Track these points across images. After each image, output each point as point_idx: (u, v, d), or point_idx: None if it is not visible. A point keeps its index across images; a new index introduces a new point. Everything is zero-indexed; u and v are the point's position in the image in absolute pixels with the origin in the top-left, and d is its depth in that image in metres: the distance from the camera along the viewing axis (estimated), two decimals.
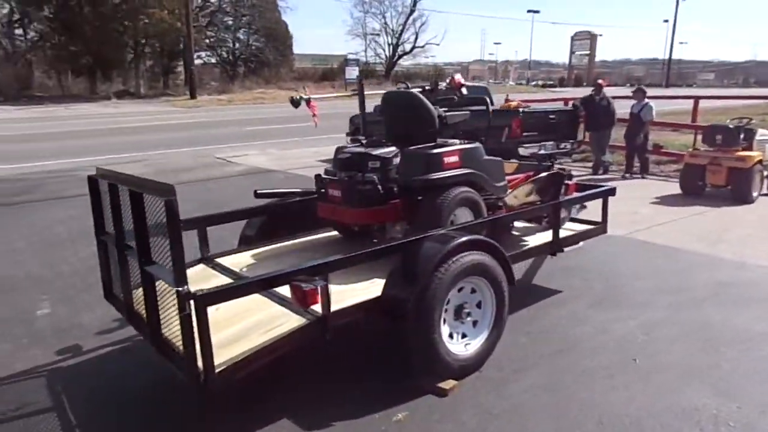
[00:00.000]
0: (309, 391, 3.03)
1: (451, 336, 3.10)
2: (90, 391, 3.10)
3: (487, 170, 3.79)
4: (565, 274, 4.71)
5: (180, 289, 2.29)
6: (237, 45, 44.17)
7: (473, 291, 3.18)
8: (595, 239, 5.30)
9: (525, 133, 9.53)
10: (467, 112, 4.08)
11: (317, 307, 2.69)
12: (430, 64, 55.28)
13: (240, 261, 3.88)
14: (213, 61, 45.07)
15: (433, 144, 3.68)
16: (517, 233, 4.29)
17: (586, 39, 72.74)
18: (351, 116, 12.81)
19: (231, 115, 24.31)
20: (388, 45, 50.57)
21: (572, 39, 73.25)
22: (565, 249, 4.75)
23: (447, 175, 3.54)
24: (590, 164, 10.50)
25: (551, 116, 9.97)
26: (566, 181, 4.37)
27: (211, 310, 2.91)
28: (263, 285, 2.63)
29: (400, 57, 50.59)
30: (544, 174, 4.09)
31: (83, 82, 36.56)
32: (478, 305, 3.22)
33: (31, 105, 30.63)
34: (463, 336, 3.17)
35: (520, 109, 9.63)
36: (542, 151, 9.76)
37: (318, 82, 38.84)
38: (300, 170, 10.70)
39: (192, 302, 2.32)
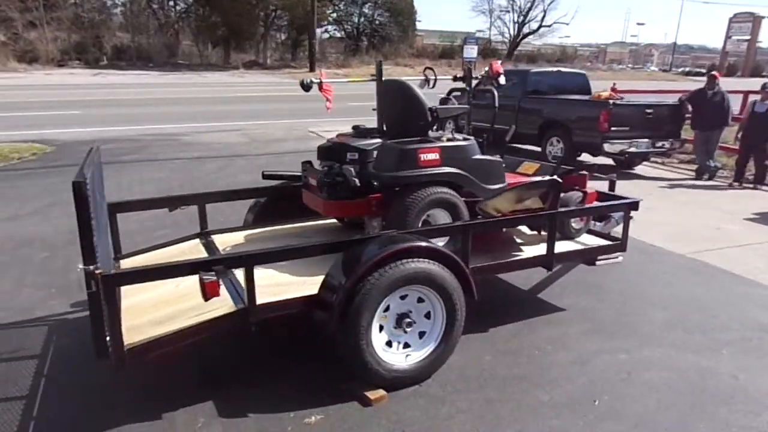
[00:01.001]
0: (239, 383, 3.03)
1: (389, 344, 2.96)
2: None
3: (475, 171, 3.51)
4: (581, 291, 4.28)
5: (86, 267, 2.39)
6: (362, 19, 44.86)
7: (421, 300, 2.99)
8: (646, 254, 4.79)
9: (614, 128, 8.71)
10: (465, 106, 3.78)
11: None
12: (557, 44, 52.24)
13: (229, 240, 3.99)
14: (338, 35, 46.31)
15: (415, 139, 3.47)
16: (521, 242, 3.95)
17: (747, 21, 63.88)
18: (442, 97, 12.54)
19: (341, 89, 24.87)
20: (514, 23, 48.55)
21: (730, 21, 64.77)
22: (599, 263, 4.35)
23: (420, 173, 3.33)
24: (694, 168, 9.37)
25: (648, 111, 8.99)
26: (584, 189, 3.95)
27: (165, 288, 3.03)
28: (177, 271, 2.66)
29: (524, 36, 48.28)
30: (536, 179, 3.70)
31: (220, 51, 39.36)
32: (427, 315, 3.03)
33: (173, 71, 33.68)
34: (406, 346, 3.01)
35: (611, 101, 8.79)
36: (633, 149, 8.89)
37: (436, 60, 38.46)
38: None
39: (99, 281, 2.41)
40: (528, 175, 4.16)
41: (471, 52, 32.22)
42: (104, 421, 2.67)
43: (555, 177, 3.48)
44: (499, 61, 5.05)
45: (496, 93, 4.02)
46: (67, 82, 25.59)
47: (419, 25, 49.95)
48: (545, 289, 4.31)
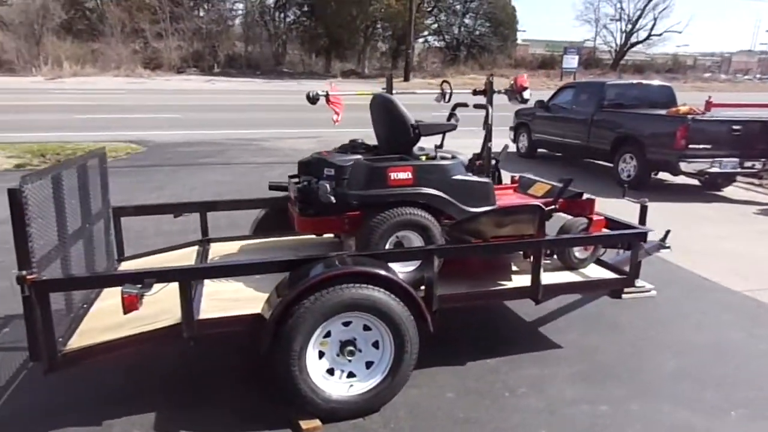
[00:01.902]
0: (184, 398, 3.02)
1: (331, 372, 2.81)
2: None
3: (455, 192, 3.26)
4: (591, 327, 3.85)
5: (20, 273, 2.48)
6: (461, 30, 44.51)
7: (367, 328, 2.81)
8: (690, 288, 4.24)
9: (692, 146, 7.87)
10: (452, 123, 3.53)
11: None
12: (670, 53, 48.47)
13: (224, 249, 4.04)
14: (437, 45, 46.30)
15: (390, 156, 3.30)
16: (517, 269, 3.62)
17: None
18: (517, 109, 12.11)
19: (427, 99, 24.80)
20: (621, 32, 45.70)
21: None
22: (626, 296, 3.93)
23: (389, 192, 3.15)
24: None
25: (735, 127, 8.02)
26: (590, 216, 3.56)
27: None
28: (106, 282, 2.69)
29: (632, 46, 45.27)
30: (516, 203, 3.36)
31: (322, 60, 40.85)
32: (375, 345, 2.84)
33: (277, 79, 35.40)
34: (350, 375, 2.84)
35: (690, 116, 7.95)
36: (714, 169, 7.98)
37: (535, 70, 37.22)
38: None
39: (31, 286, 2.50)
40: (536, 197, 3.82)
41: (571, 62, 30.93)
42: (46, 419, 2.77)
43: (537, 204, 3.13)
44: (525, 75, 4.72)
45: (490, 109, 3.74)
46: (179, 88, 27.77)
47: (524, 35, 48.79)
48: (550, 322, 3.93)
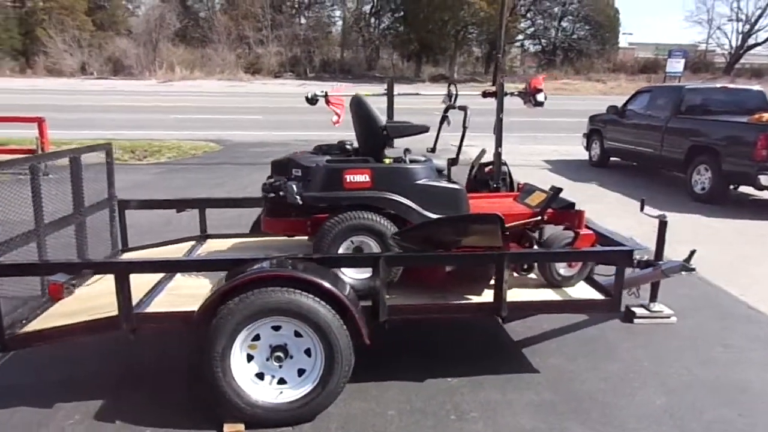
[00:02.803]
0: (129, 389, 3.08)
1: (261, 377, 2.74)
2: None
3: (418, 198, 3.08)
4: (582, 352, 3.49)
5: None
6: (558, 33, 42.69)
7: (299, 335, 2.71)
8: (721, 314, 3.81)
9: None
10: (423, 126, 3.33)
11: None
12: None
13: (219, 245, 4.13)
14: (533, 49, 44.82)
15: (352, 159, 3.19)
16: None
17: None
18: (591, 115, 11.41)
19: (507, 104, 24.07)
20: (737, 33, 41.49)
21: None
22: (638, 321, 3.61)
23: (343, 195, 3.04)
24: None
25: None
26: (578, 230, 3.22)
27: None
28: (35, 270, 2.79)
29: (750, 48, 40.92)
30: (475, 213, 3.07)
31: (413, 65, 41.03)
32: (308, 352, 2.74)
33: (366, 83, 35.95)
34: (281, 382, 2.76)
35: None
36: None
37: (636, 74, 34.86)
38: (515, 168, 10.35)
39: None
40: (531, 207, 3.52)
41: (676, 66, 28.68)
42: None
43: (495, 214, 2.86)
44: (541, 77, 4.42)
45: (468, 112, 3.51)
46: (272, 91, 29.05)
47: (631, 38, 45.93)
48: (539, 343, 3.60)
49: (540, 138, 14.37)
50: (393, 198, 3.05)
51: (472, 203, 3.62)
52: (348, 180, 3.03)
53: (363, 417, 2.81)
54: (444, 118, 3.94)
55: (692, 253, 3.89)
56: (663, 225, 3.84)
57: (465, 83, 35.48)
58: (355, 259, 2.97)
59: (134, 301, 2.83)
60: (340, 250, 3.05)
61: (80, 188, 3.69)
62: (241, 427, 2.67)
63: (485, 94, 4.61)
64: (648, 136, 9.26)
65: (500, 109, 4.31)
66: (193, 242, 4.22)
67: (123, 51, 37.52)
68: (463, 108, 3.61)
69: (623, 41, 44.93)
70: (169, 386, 3.08)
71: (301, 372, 2.76)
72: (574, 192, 8.59)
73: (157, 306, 2.94)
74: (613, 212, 7.16)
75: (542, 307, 3.11)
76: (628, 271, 3.77)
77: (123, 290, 2.71)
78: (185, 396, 2.97)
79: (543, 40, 43.47)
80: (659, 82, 28.83)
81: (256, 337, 2.70)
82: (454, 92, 4.32)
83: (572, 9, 41.42)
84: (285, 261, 2.77)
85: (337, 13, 45.57)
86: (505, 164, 4.45)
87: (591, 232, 3.25)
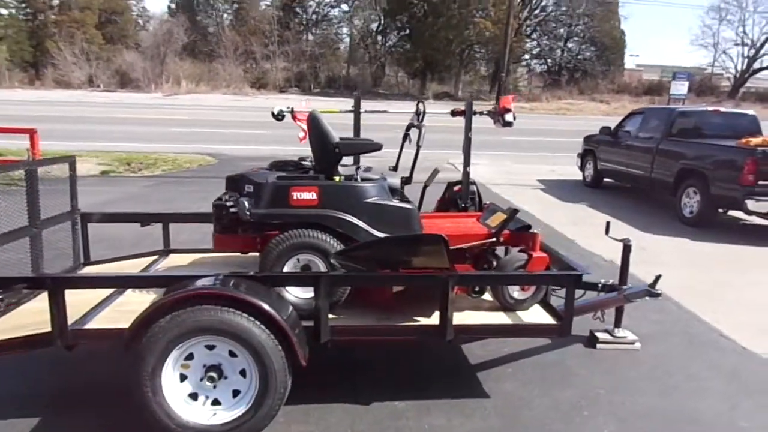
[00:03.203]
0: (75, 402, 3.04)
1: (194, 397, 2.68)
2: None
3: (366, 216, 3.03)
4: (537, 378, 3.40)
5: None
6: (564, 54, 42.85)
7: (234, 354, 2.65)
8: (696, 344, 3.73)
9: (762, 182, 6.89)
10: (376, 143, 3.30)
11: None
12: None
13: (177, 260, 4.08)
14: (538, 69, 44.95)
15: (301, 175, 3.15)
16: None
17: None
18: (585, 136, 11.37)
19: (515, 124, 24.06)
20: (743, 57, 41.53)
21: None
22: (600, 346, 3.55)
23: (290, 212, 3.00)
24: None
25: None
26: (531, 252, 3.16)
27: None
28: None
29: (754, 72, 40.89)
30: (418, 234, 3.01)
31: (418, 83, 41.30)
32: (243, 373, 2.68)
33: (370, 99, 36.10)
34: (215, 402, 2.69)
35: (761, 149, 6.97)
36: None
37: (639, 96, 34.83)
38: (507, 187, 10.36)
39: None
40: (491, 227, 3.47)
41: (680, 88, 28.61)
42: None
43: (438, 234, 2.81)
44: (510, 96, 4.39)
45: (423, 131, 3.47)
46: (274, 105, 29.15)
47: (638, 60, 46.05)
48: (496, 367, 3.52)
49: (536, 157, 14.34)
50: (339, 216, 3.00)
51: (433, 223, 3.59)
52: (295, 197, 3.00)
53: None
54: (406, 136, 3.90)
55: (657, 278, 3.80)
56: (627, 249, 3.77)
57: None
58: (296, 278, 2.92)
59: (78, 316, 2.78)
60: (287, 269, 3.01)
61: (36, 201, 3.67)
62: None
63: (454, 113, 4.58)
64: (640, 157, 9.19)
65: (468, 128, 4.27)
66: (155, 257, 4.18)
67: (130, 64, 37.96)
68: (419, 127, 3.57)
69: (630, 63, 45.12)
70: (110, 404, 3.01)
71: (235, 393, 2.69)
72: (563, 213, 8.55)
73: (97, 322, 2.89)
74: (600, 234, 7.06)
75: (490, 331, 3.03)
76: (594, 296, 3.72)
77: (57, 305, 2.67)
78: (123, 415, 2.90)
79: (549, 60, 43.66)
80: (663, 104, 28.80)
81: (190, 356, 2.64)
82: (422, 110, 4.29)
83: (578, 30, 41.63)
84: (223, 279, 2.72)
85: (345, 30, 46.14)
86: (474, 183, 4.41)
87: (544, 255, 3.18)
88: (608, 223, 3.93)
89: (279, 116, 4.34)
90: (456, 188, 4.39)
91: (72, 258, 4.11)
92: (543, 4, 41.42)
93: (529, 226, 3.33)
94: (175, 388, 2.63)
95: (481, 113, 4.51)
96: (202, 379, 2.66)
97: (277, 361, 2.60)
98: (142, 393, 2.56)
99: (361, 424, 2.89)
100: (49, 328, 2.69)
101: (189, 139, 15.29)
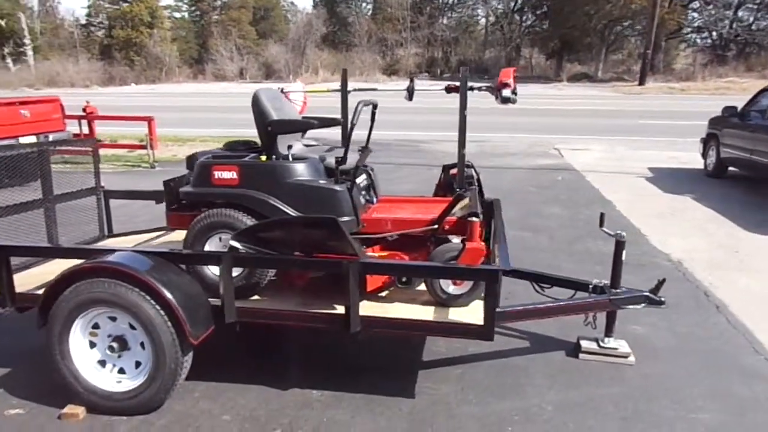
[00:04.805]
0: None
1: (103, 364, 2.81)
2: None
3: (289, 198, 2.92)
4: (486, 382, 3.05)
5: None
6: (734, 25, 37.23)
7: (133, 327, 2.73)
8: (714, 361, 3.34)
9: None
10: (309, 121, 3.13)
11: None
12: None
13: (177, 237, 4.29)
14: (700, 44, 39.82)
15: (237, 154, 3.13)
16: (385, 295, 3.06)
17: None
18: (712, 117, 9.83)
19: (656, 106, 21.72)
20: None
21: None
22: (586, 357, 3.21)
23: (211, 191, 3.00)
24: None
25: None
26: (470, 242, 2.83)
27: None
28: None
29: None
30: (308, 216, 2.77)
31: (553, 63, 39.09)
32: (143, 345, 2.75)
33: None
34: (122, 371, 2.80)
35: None
36: None
37: None
38: (604, 174, 9.43)
39: None
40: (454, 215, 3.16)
41: None
42: None
43: (326, 217, 2.58)
44: (512, 69, 3.97)
45: (375, 108, 3.23)
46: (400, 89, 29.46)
47: None
48: (447, 367, 3.22)
49: (663, 143, 12.79)
50: (257, 196, 2.93)
51: (385, 207, 3.37)
52: (216, 176, 2.99)
53: (195, 418, 2.76)
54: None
55: (660, 282, 3.22)
56: (620, 245, 3.22)
57: (607, 83, 32.84)
58: (201, 257, 2.91)
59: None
60: (210, 247, 3.01)
61: (49, 177, 4.08)
62: (79, 411, 2.76)
63: (449, 90, 4.23)
64: (760, 139, 7.75)
65: (463, 105, 3.92)
66: (162, 231, 4.45)
67: (274, 57, 40.74)
68: (373, 103, 3.34)
69: None
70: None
71: (138, 364, 2.78)
72: (654, 204, 7.52)
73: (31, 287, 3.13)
74: (684, 230, 6.16)
75: (404, 326, 2.75)
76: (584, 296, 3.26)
77: (5, 270, 2.95)
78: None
79: (713, 33, 38.40)
80: None
81: (96, 326, 2.77)
82: (413, 87, 4.04)
83: None
84: (122, 254, 2.80)
85: (480, 11, 45.00)
86: (471, 166, 4.05)
87: (480, 245, 2.81)
88: (603, 215, 3.38)
89: None
90: (452, 172, 4.07)
91: (98, 229, 4.54)
92: None
93: (476, 214, 2.97)
94: (84, 354, 2.78)
95: (479, 89, 4.12)
96: (107, 349, 2.78)
97: (165, 337, 2.64)
98: (52, 355, 2.74)
99: (264, 408, 2.83)
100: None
101: None
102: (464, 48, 43.11)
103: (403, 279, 2.94)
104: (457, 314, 2.81)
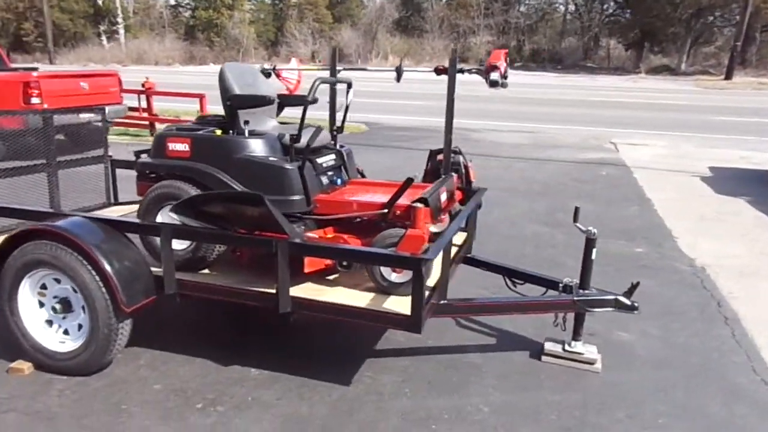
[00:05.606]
0: None
1: (50, 323, 2.90)
2: None
3: (238, 173, 2.89)
4: (430, 377, 2.90)
5: None
6: None
7: (76, 291, 2.79)
8: (703, 371, 3.11)
9: None
10: (269, 97, 3.06)
11: None
12: None
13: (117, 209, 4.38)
14: None
15: (198, 126, 3.12)
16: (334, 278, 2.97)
17: None
18: None
19: (741, 102, 20.06)
20: None
21: None
22: (548, 359, 3.06)
23: (163, 163, 3.02)
24: None
25: None
26: (413, 228, 2.69)
27: None
28: None
29: None
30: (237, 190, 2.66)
31: (633, 54, 36.99)
32: (84, 309, 2.81)
33: (572, 74, 33.45)
34: (66, 332, 2.89)
35: None
36: None
37: None
38: (655, 171, 8.91)
39: None
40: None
41: None
42: None
43: (254, 193, 2.50)
44: (503, 51, 3.74)
45: (350, 88, 3.13)
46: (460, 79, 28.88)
47: None
48: (397, 357, 3.10)
49: (737, 141, 11.80)
50: (205, 170, 2.91)
51: (350, 189, 3.27)
52: (170, 148, 2.99)
53: (130, 384, 2.80)
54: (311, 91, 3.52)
55: (634, 286, 2.95)
56: (590, 243, 2.96)
57: (689, 76, 30.64)
58: (142, 227, 2.92)
59: None
60: (160, 218, 3.03)
61: (52, 142, 4.25)
62: (24, 366, 2.87)
63: (438, 71, 4.02)
64: None
65: (452, 89, 3.73)
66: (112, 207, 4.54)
67: (346, 41, 40.97)
68: (347, 82, 3.21)
69: None
70: None
71: (80, 327, 2.85)
72: (698, 205, 6.94)
73: None
74: (723, 234, 5.66)
75: (333, 311, 2.64)
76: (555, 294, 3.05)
77: None
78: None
79: None
80: None
81: (44, 286, 2.86)
82: (401, 70, 3.90)
83: None
84: (76, 220, 2.85)
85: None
86: (459, 152, 3.86)
87: (422, 233, 2.65)
88: (577, 209, 3.11)
89: (265, 74, 4.32)
90: (439, 157, 3.90)
91: (104, 197, 4.71)
92: None
93: (424, 200, 2.79)
94: (33, 313, 2.88)
95: (469, 71, 3.90)
96: (52, 309, 2.86)
97: (99, 303, 2.68)
98: (3, 311, 2.86)
99: (195, 381, 2.83)
100: None
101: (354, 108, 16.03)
102: (539, 37, 41.58)
103: (344, 263, 2.84)
104: (389, 303, 2.67)
